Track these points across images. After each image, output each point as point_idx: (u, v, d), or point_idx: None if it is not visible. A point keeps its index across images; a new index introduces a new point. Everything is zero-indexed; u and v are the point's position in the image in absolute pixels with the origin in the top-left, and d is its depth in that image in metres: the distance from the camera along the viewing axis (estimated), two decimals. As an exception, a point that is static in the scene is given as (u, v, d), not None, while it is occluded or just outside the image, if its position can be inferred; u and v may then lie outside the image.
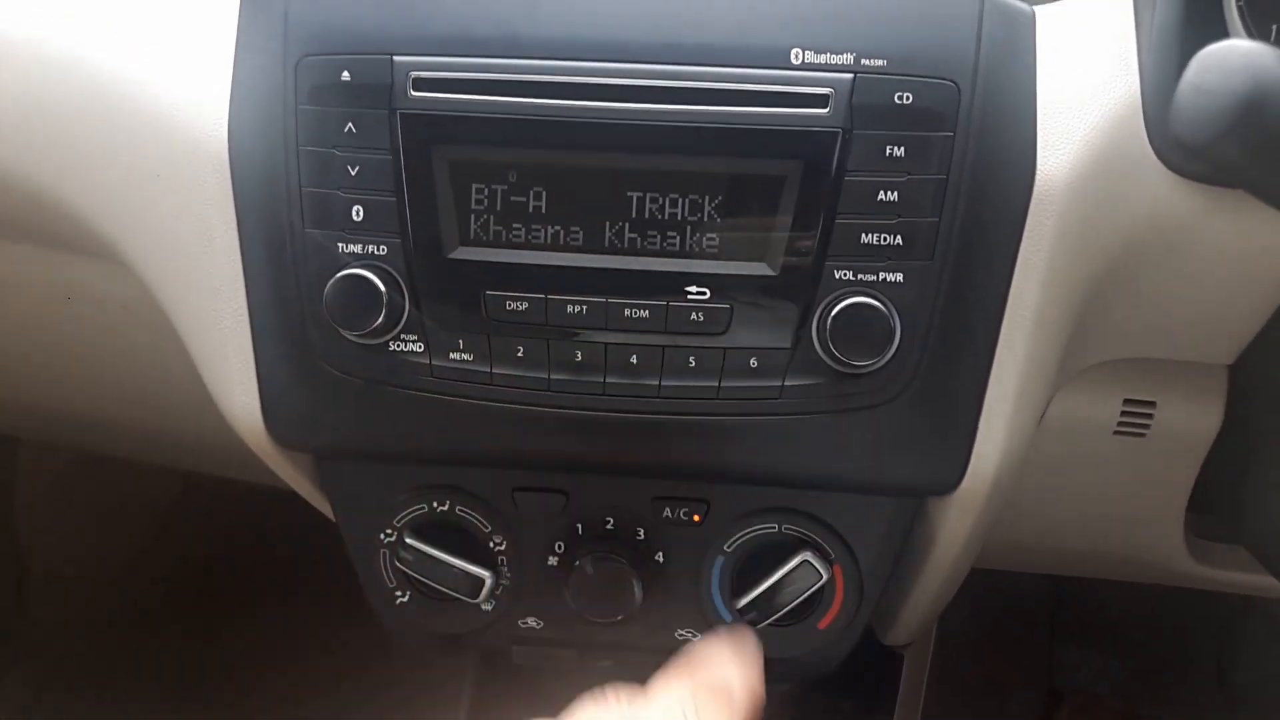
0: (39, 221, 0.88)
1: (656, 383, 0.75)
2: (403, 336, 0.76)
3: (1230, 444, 0.91)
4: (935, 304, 0.72)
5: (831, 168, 0.71)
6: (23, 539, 1.72)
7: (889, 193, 0.71)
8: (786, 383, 0.74)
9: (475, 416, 0.77)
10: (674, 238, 0.73)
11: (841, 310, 0.71)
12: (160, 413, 1.13)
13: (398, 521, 0.86)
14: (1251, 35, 0.73)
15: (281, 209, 0.74)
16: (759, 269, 0.73)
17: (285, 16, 0.74)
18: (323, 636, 1.73)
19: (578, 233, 0.74)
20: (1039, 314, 0.74)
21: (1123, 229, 0.74)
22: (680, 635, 0.88)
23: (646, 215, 0.73)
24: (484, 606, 0.87)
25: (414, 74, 0.72)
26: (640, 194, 0.73)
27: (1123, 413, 0.91)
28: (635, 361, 0.75)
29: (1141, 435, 0.92)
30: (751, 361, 0.74)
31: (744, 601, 0.83)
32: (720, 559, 0.85)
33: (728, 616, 0.85)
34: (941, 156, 0.70)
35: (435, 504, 0.85)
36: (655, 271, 0.73)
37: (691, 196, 0.72)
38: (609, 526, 0.85)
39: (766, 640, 0.85)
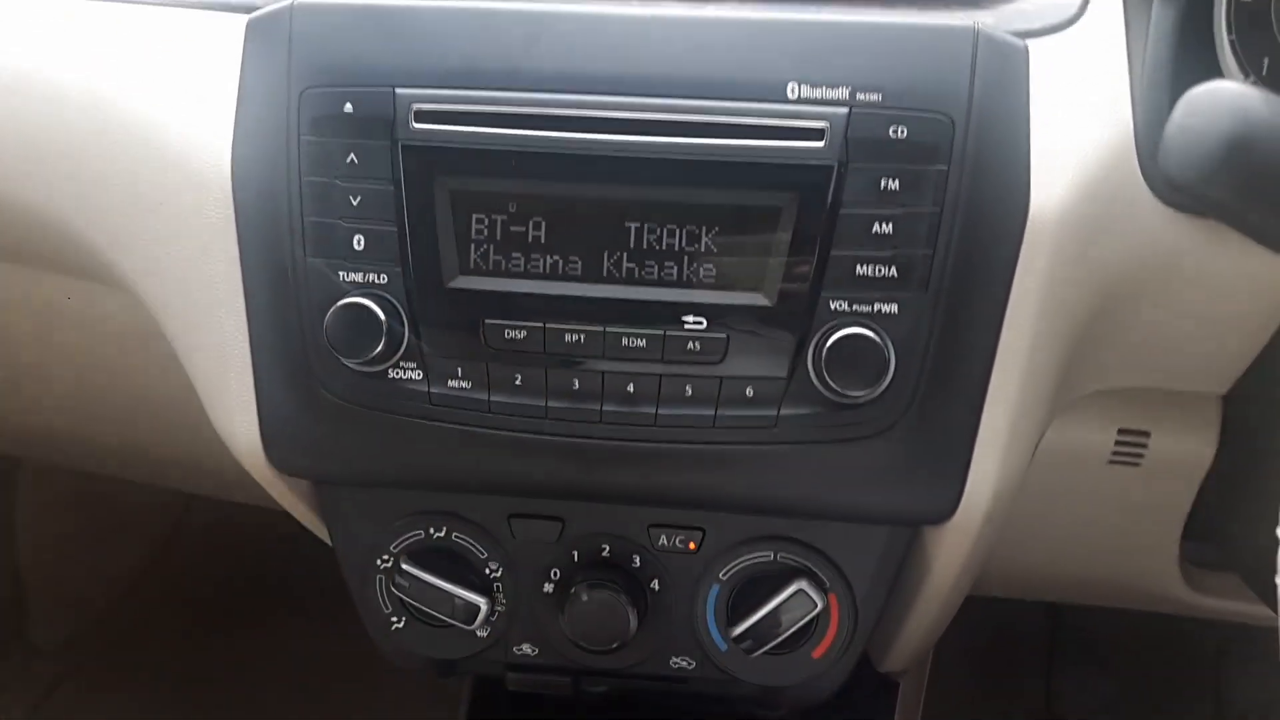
0: (44, 246, 0.89)
1: (653, 411, 0.75)
2: (402, 364, 0.76)
3: (1224, 473, 0.91)
4: (930, 335, 0.73)
5: (827, 200, 0.71)
6: (23, 558, 1.72)
7: (884, 225, 0.71)
8: (782, 412, 0.75)
9: (473, 444, 0.77)
10: (671, 268, 0.74)
11: (837, 341, 0.72)
12: (160, 436, 1.14)
13: (394, 547, 0.86)
14: (1243, 69, 0.74)
15: (283, 238, 0.75)
16: (755, 299, 0.73)
17: (289, 48, 0.75)
18: (320, 657, 1.72)
19: (576, 262, 0.74)
20: (1033, 345, 0.74)
21: (1116, 261, 0.75)
22: (675, 663, 0.88)
23: (644, 245, 0.74)
24: (479, 633, 0.87)
25: (416, 106, 0.73)
26: (638, 224, 0.73)
27: (1117, 442, 0.92)
28: (632, 390, 0.75)
29: (1136, 464, 0.92)
30: (747, 391, 0.75)
31: (739, 630, 0.83)
32: (715, 587, 0.85)
33: (722, 645, 0.86)
34: (936, 190, 0.71)
35: (432, 530, 0.85)
36: (653, 301, 0.74)
37: (689, 227, 0.73)
38: (604, 554, 0.85)
39: (761, 668, 0.85)
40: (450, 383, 0.76)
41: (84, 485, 1.70)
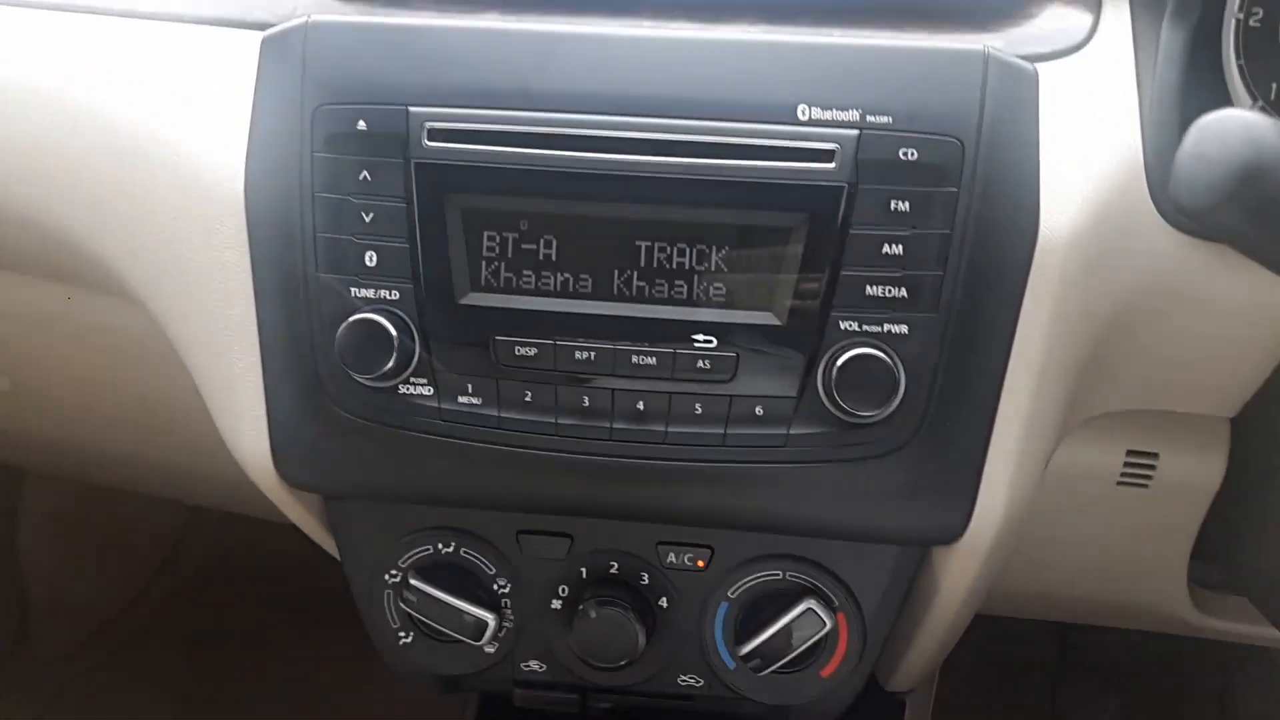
0: (54, 259, 0.89)
1: (663, 429, 0.76)
2: (413, 380, 0.76)
3: (1233, 495, 0.91)
4: (940, 356, 0.73)
5: (837, 221, 0.72)
6: (26, 568, 1.72)
7: (894, 246, 0.72)
8: (792, 431, 0.75)
9: (483, 459, 0.77)
10: (681, 286, 0.74)
11: (847, 361, 0.72)
12: (167, 448, 1.14)
13: (403, 562, 0.86)
14: (1251, 93, 0.74)
15: (296, 253, 0.76)
16: (765, 318, 0.74)
17: (303, 66, 0.75)
18: (324, 669, 1.72)
19: (587, 280, 0.75)
20: (1042, 366, 0.74)
21: (1125, 284, 0.75)
22: (683, 681, 0.88)
23: (655, 264, 0.74)
24: (486, 649, 0.87)
25: (429, 124, 0.73)
26: (649, 243, 0.74)
27: (1125, 464, 0.92)
28: (642, 408, 0.75)
29: (1144, 486, 0.92)
30: (757, 409, 0.75)
31: (747, 649, 0.83)
32: (724, 605, 0.85)
33: (731, 663, 0.85)
34: (946, 212, 0.71)
35: (440, 546, 0.86)
36: (663, 319, 0.74)
37: (699, 246, 0.73)
38: (613, 571, 0.85)
39: (769, 687, 0.85)
40: (460, 399, 0.76)
41: (88, 495, 1.71)
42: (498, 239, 0.75)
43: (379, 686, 1.52)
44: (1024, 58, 0.75)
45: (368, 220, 0.74)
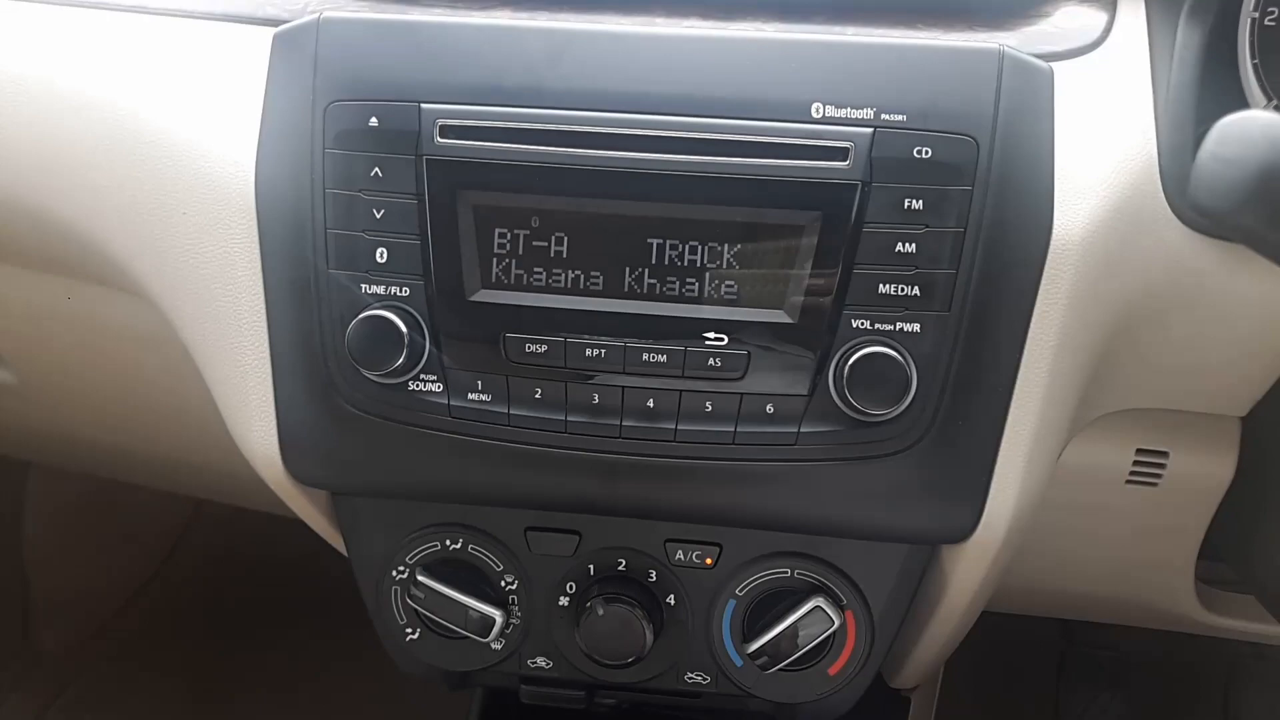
0: (63, 254, 0.89)
1: (673, 426, 0.75)
2: (422, 377, 0.76)
3: (1242, 494, 0.91)
4: (952, 354, 0.73)
5: (850, 219, 0.71)
6: (31, 562, 1.72)
7: (907, 244, 0.72)
8: (802, 429, 0.75)
9: (492, 456, 0.77)
10: (693, 284, 0.74)
11: (858, 359, 0.72)
12: (175, 443, 1.14)
13: (410, 559, 0.86)
14: (1266, 93, 0.74)
15: (306, 250, 0.75)
16: (777, 316, 0.74)
17: (315, 62, 0.75)
18: (330, 664, 1.72)
19: (598, 277, 0.74)
20: (1054, 365, 0.74)
21: (1138, 283, 0.75)
22: (690, 678, 0.88)
23: (666, 261, 0.74)
24: (494, 645, 0.87)
25: (441, 121, 0.73)
26: (660, 240, 0.74)
27: (1135, 462, 0.92)
28: (652, 405, 0.75)
29: (1154, 485, 0.92)
30: (768, 407, 0.75)
31: (755, 646, 0.83)
32: (732, 602, 0.85)
33: (738, 661, 0.85)
34: (959, 210, 0.71)
35: (448, 542, 0.85)
36: (674, 317, 0.74)
37: (711, 244, 0.73)
38: (621, 568, 0.85)
39: (776, 685, 0.85)
40: (470, 395, 0.76)
41: (93, 489, 1.71)
42: (509, 236, 0.74)
43: (385, 682, 1.52)
44: (1039, 56, 0.75)
45: (379, 217, 0.74)
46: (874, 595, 0.83)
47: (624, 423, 0.76)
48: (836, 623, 0.82)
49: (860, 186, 0.71)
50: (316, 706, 1.70)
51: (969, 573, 0.83)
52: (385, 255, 0.75)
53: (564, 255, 0.74)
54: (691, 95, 0.73)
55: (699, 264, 0.74)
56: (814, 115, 0.72)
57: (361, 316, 0.74)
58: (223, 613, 1.85)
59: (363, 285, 0.75)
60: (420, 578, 0.84)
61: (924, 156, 0.71)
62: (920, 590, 0.87)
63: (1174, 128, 0.73)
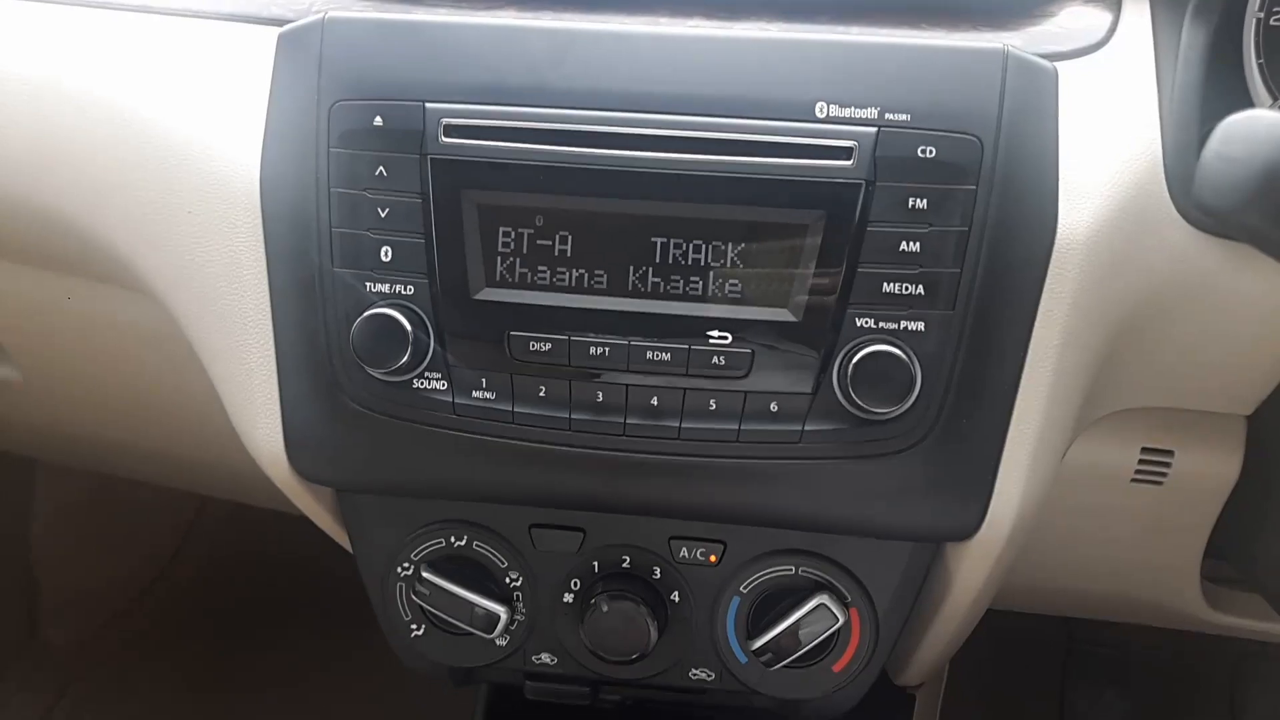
0: (69, 253, 0.90)
1: (677, 424, 0.76)
2: (427, 375, 0.76)
3: (1247, 493, 0.91)
4: (956, 353, 0.73)
5: (854, 218, 0.71)
6: (37, 560, 1.73)
7: (911, 243, 0.72)
8: (806, 428, 0.75)
9: (496, 454, 0.77)
10: (697, 283, 0.74)
11: (863, 358, 0.72)
12: (179, 439, 1.14)
13: (415, 555, 0.86)
14: (1272, 93, 0.74)
15: (311, 248, 0.76)
16: (781, 315, 0.74)
17: (319, 62, 0.75)
18: (335, 661, 1.73)
19: (602, 276, 0.75)
20: (1059, 364, 0.74)
21: (1143, 282, 0.75)
22: (694, 675, 0.88)
23: (670, 260, 0.74)
24: (498, 642, 0.87)
25: (445, 120, 0.73)
26: (664, 239, 0.74)
27: (1140, 461, 0.92)
28: (656, 403, 0.75)
29: (1159, 483, 0.92)
30: (772, 406, 0.75)
31: (759, 643, 0.83)
32: (736, 600, 0.85)
33: (742, 658, 0.86)
34: (964, 209, 0.71)
35: (453, 539, 0.86)
36: (677, 315, 0.74)
37: (715, 243, 0.73)
38: (625, 565, 0.85)
39: (781, 682, 0.85)
40: (474, 393, 0.77)
41: (99, 486, 1.71)
42: (513, 234, 0.75)
43: (390, 679, 1.53)
44: (1043, 56, 0.74)
45: (383, 215, 0.74)
46: (878, 593, 0.83)
47: (628, 421, 0.76)
48: (841, 620, 0.82)
49: (864, 186, 0.71)
50: (322, 703, 1.70)
51: (973, 571, 0.83)
52: (390, 254, 0.75)
53: (568, 254, 0.74)
54: (695, 95, 0.73)
55: (703, 263, 0.74)
56: (818, 115, 0.72)
57: (366, 315, 0.74)
58: (228, 610, 1.86)
59: (367, 284, 0.75)
60: (425, 574, 0.85)
61: (928, 156, 0.71)
62: (925, 588, 0.87)
63: (1179, 127, 0.73)
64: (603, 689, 0.94)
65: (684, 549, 0.84)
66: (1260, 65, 0.74)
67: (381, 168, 0.74)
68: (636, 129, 0.72)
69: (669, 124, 0.72)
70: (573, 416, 0.76)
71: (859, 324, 0.73)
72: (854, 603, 0.83)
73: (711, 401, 0.75)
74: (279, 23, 0.79)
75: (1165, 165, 0.73)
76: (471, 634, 0.85)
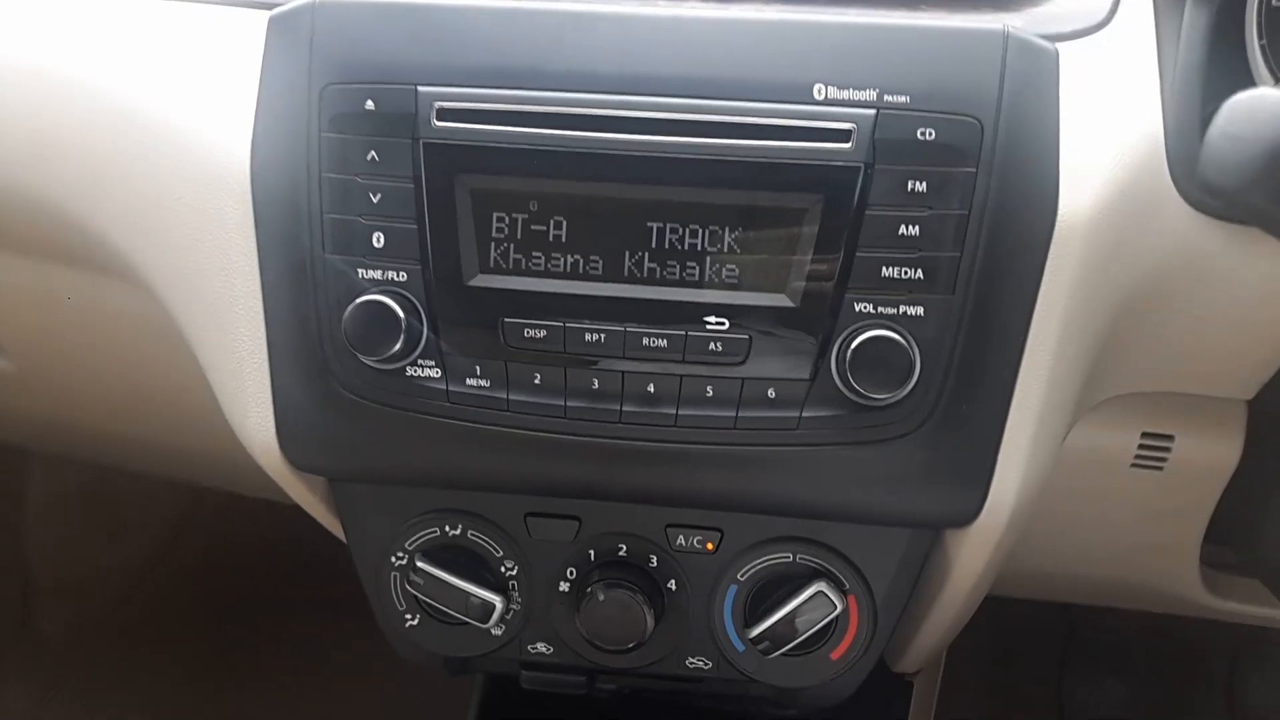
0: (58, 240, 0.89)
1: (674, 412, 0.75)
2: (420, 362, 0.76)
3: (1248, 478, 0.90)
4: (956, 338, 0.72)
5: (853, 202, 0.71)
6: (31, 549, 1.72)
7: (910, 227, 0.71)
8: (804, 414, 0.74)
9: (491, 442, 0.77)
10: (693, 268, 0.73)
11: (861, 343, 0.71)
12: (173, 429, 1.14)
13: (409, 545, 0.86)
14: (1274, 74, 0.73)
15: (302, 234, 0.75)
16: (778, 300, 0.73)
17: (310, 45, 0.74)
18: (330, 651, 1.73)
19: (597, 262, 0.74)
20: (1059, 348, 0.74)
21: (1144, 265, 0.74)
22: (691, 663, 0.88)
23: (666, 245, 0.73)
24: (494, 631, 0.87)
25: (438, 104, 0.72)
26: (660, 224, 0.73)
27: (1140, 446, 0.91)
28: (653, 390, 0.75)
29: (1159, 468, 0.91)
30: (769, 392, 0.74)
31: (756, 631, 0.83)
32: (733, 588, 0.84)
33: (740, 646, 0.85)
34: (963, 192, 0.70)
35: (447, 528, 0.85)
36: (674, 301, 0.73)
37: (712, 227, 0.73)
38: (621, 553, 0.84)
39: (778, 670, 0.85)
40: (469, 381, 0.76)
41: (93, 477, 1.71)
42: (507, 220, 0.74)
43: (385, 668, 1.53)
44: (1044, 37, 0.74)
45: (375, 201, 0.74)
46: (877, 580, 0.83)
47: (624, 408, 0.75)
48: (839, 607, 0.81)
49: (863, 169, 0.70)
50: (317, 693, 1.70)
51: (973, 557, 0.82)
52: (382, 240, 0.74)
53: (563, 239, 0.74)
54: (692, 77, 0.72)
55: (699, 248, 0.73)
56: (816, 97, 0.71)
57: (358, 302, 0.73)
58: (223, 601, 1.86)
59: (359, 270, 0.74)
60: (420, 564, 0.84)
61: (927, 138, 0.70)
62: (923, 575, 0.86)
63: (1181, 109, 0.72)
64: (599, 678, 0.93)
65: (681, 537, 0.84)
66: (1263, 46, 0.73)
67: (373, 152, 0.73)
68: (632, 112, 0.71)
69: (665, 107, 0.71)
70: (568, 404, 0.75)
71: (857, 309, 0.72)
72: (852, 590, 0.83)
73: (708, 388, 0.74)
74: (269, 5, 0.78)
75: (1167, 147, 0.73)
76: (467, 624, 0.85)
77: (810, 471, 0.76)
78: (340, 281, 0.75)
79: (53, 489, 1.72)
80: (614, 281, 0.74)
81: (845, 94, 0.71)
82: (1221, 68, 0.72)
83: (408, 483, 0.84)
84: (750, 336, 0.73)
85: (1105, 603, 1.22)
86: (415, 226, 0.73)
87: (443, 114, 0.72)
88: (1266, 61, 0.73)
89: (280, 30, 0.76)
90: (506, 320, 0.74)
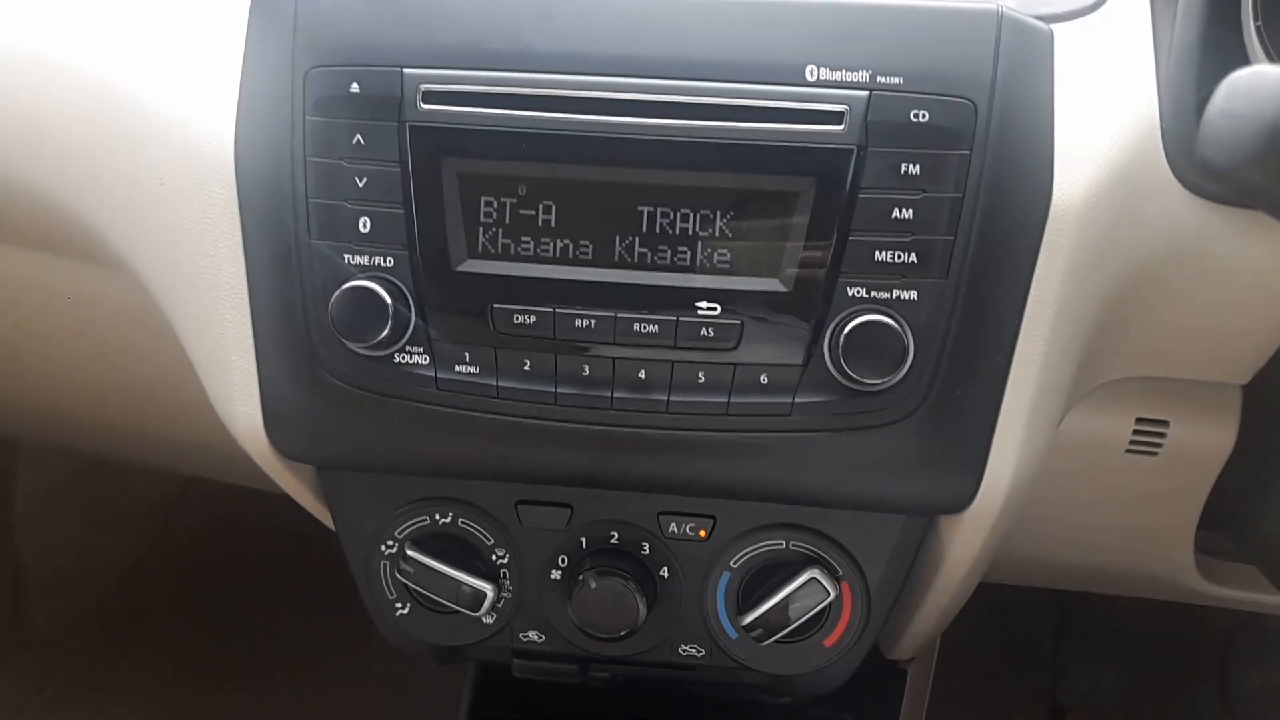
0: (45, 227, 0.88)
1: (665, 398, 0.74)
2: (408, 349, 0.75)
3: (1244, 463, 0.90)
4: (950, 322, 0.72)
5: (845, 185, 0.70)
6: (21, 541, 1.71)
7: (904, 210, 0.70)
8: (797, 400, 0.73)
9: (480, 430, 0.76)
10: (685, 253, 0.72)
11: (854, 328, 0.71)
12: (161, 418, 1.13)
13: (399, 533, 0.85)
14: (1270, 56, 0.73)
15: (287, 219, 0.74)
16: (771, 285, 0.72)
17: (294, 27, 0.73)
18: (322, 640, 1.72)
19: (587, 246, 0.73)
20: (1054, 333, 0.73)
21: (1139, 249, 0.74)
22: (684, 651, 0.88)
23: (657, 230, 0.72)
24: (485, 620, 0.86)
25: (424, 86, 0.71)
26: (651, 208, 0.72)
27: (1135, 431, 0.91)
28: (644, 376, 0.74)
29: (1153, 454, 0.91)
30: (762, 378, 0.73)
31: (749, 618, 0.82)
32: (726, 575, 0.84)
33: (733, 633, 0.85)
34: (957, 175, 0.70)
35: (437, 516, 0.84)
36: (665, 286, 0.73)
37: (703, 211, 0.72)
38: (613, 541, 0.84)
39: (772, 657, 0.85)
40: (457, 368, 0.75)
41: (82, 468, 1.70)
42: (495, 204, 0.73)
43: (376, 657, 1.52)
44: (1038, 18, 0.73)
45: (361, 185, 0.73)
46: (870, 566, 0.82)
47: (615, 394, 0.74)
48: (832, 594, 0.81)
49: (856, 151, 0.70)
50: (310, 683, 1.70)
51: (967, 543, 0.82)
52: (368, 225, 0.73)
53: (552, 224, 0.73)
54: (682, 58, 0.71)
55: (691, 232, 0.72)
56: (808, 78, 0.70)
57: (345, 287, 0.73)
58: (215, 591, 1.85)
59: (346, 255, 0.73)
60: (410, 552, 0.83)
61: (921, 120, 0.69)
62: (917, 561, 0.86)
63: (1176, 90, 0.72)
64: (592, 666, 0.93)
65: (673, 524, 0.83)
66: (1259, 28, 0.72)
67: (359, 136, 0.72)
68: (622, 94, 0.70)
69: (655, 88, 0.70)
70: (559, 391, 0.75)
71: (850, 293, 0.71)
72: (845, 577, 0.82)
73: (700, 374, 0.74)
74: None
75: (1162, 128, 0.72)
76: (458, 612, 0.84)
77: (803, 458, 0.75)
78: (326, 267, 0.74)
79: (42, 480, 1.71)
80: (604, 266, 0.73)
81: (838, 75, 0.70)
82: (1217, 49, 0.71)
83: (396, 471, 0.84)
84: (742, 322, 0.73)
85: (1100, 590, 1.22)
86: (402, 211, 0.72)
87: (429, 96, 0.71)
88: (1262, 42, 0.72)
89: (263, 12, 0.75)
90: (495, 306, 0.73)
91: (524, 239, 0.73)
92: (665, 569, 0.84)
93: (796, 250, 0.71)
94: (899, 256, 0.71)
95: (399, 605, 0.87)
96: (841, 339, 0.71)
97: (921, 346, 0.71)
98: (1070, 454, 0.89)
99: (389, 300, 0.72)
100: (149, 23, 0.80)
